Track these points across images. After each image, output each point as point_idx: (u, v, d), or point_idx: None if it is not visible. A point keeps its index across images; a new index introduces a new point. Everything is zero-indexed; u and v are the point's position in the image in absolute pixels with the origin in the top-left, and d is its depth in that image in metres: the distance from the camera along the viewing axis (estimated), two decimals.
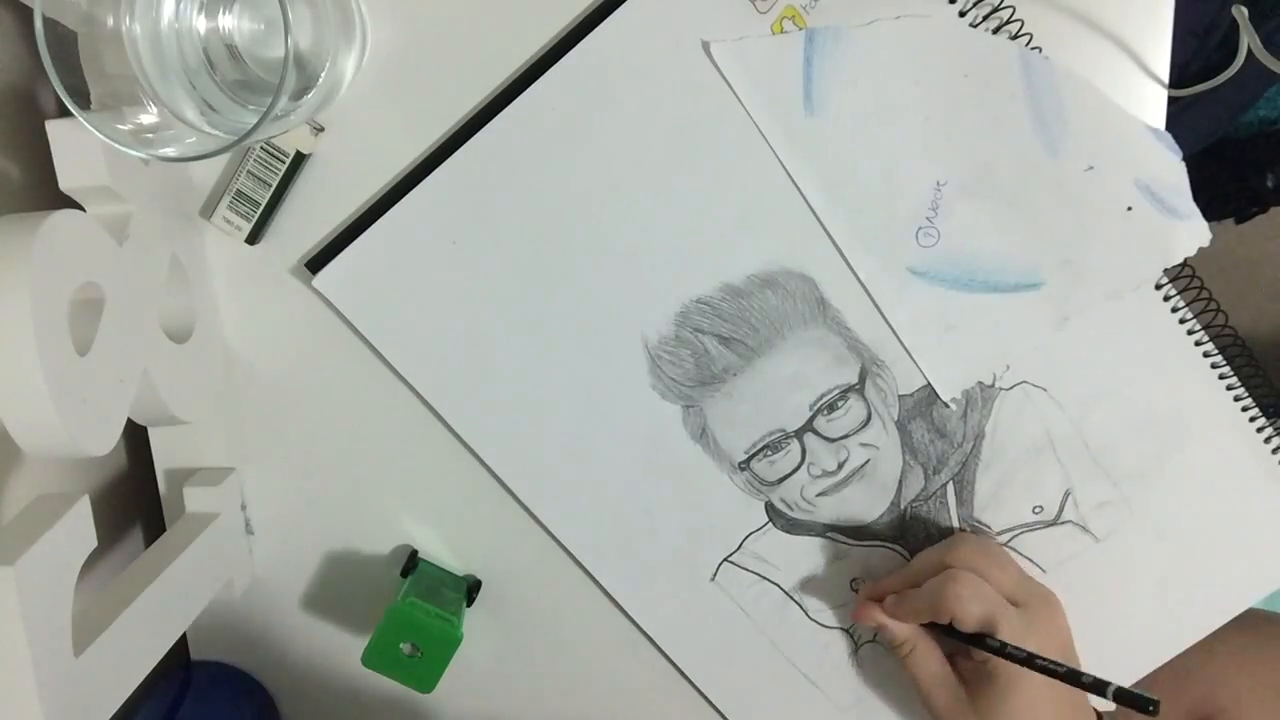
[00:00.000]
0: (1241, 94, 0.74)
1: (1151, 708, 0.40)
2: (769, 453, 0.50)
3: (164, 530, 0.52)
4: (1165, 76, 0.46)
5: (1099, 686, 0.42)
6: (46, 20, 0.34)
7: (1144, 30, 0.45)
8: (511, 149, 0.46)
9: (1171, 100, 0.46)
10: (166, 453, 0.52)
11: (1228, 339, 0.49)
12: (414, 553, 0.52)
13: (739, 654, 0.53)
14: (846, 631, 0.53)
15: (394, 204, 0.47)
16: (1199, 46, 0.64)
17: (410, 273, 0.48)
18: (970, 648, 0.46)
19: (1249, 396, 0.49)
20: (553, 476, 0.51)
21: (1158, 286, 0.47)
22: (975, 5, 0.44)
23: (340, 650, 0.55)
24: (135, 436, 0.53)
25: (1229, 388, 0.49)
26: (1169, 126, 0.46)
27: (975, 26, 0.44)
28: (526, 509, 0.51)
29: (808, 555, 0.52)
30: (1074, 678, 0.42)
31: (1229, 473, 0.51)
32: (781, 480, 0.51)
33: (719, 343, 0.48)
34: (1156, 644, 0.53)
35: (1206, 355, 0.49)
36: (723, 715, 0.55)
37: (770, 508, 0.51)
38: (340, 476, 0.52)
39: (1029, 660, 0.43)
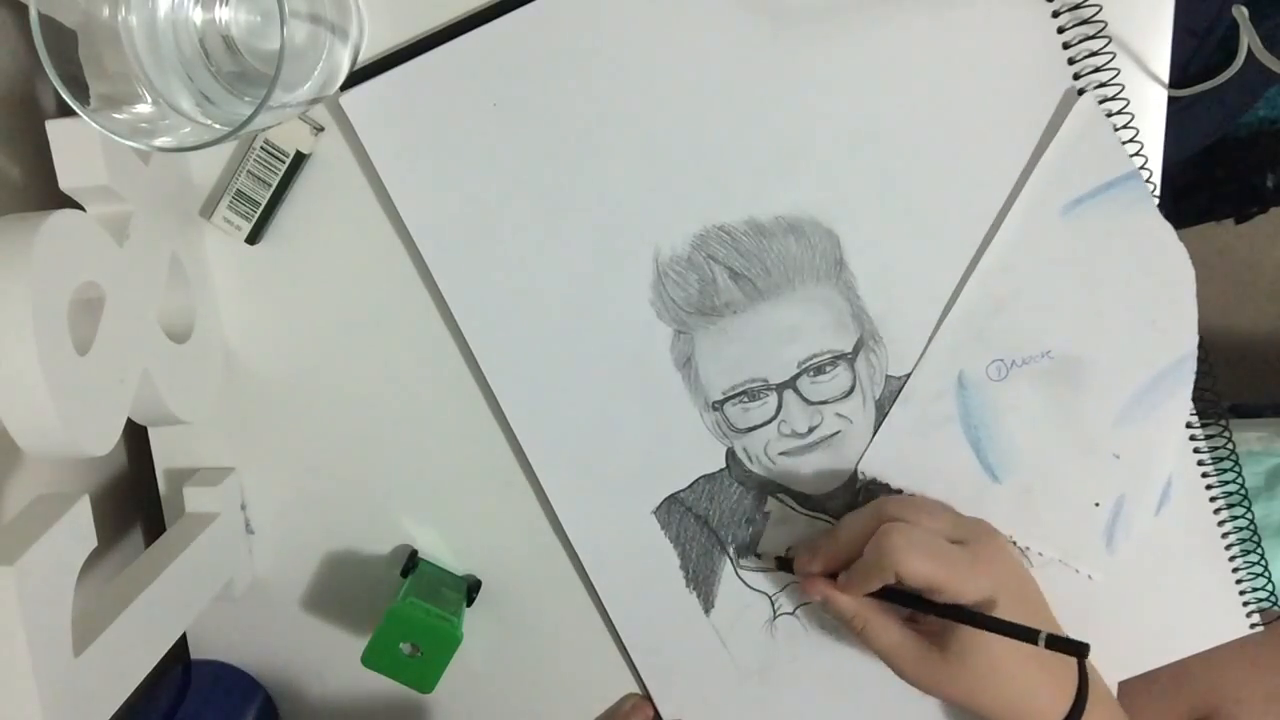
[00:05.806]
0: (1241, 94, 0.74)
1: (1084, 651, 0.40)
2: (745, 399, 0.49)
3: (164, 530, 0.52)
4: (1165, 76, 0.46)
5: (1029, 634, 0.41)
6: (43, 17, 0.33)
7: (1144, 30, 0.45)
8: (576, 19, 0.44)
9: (1171, 100, 0.46)
10: (166, 453, 0.52)
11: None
12: (414, 553, 0.52)
13: (660, 596, 0.52)
14: (768, 597, 0.52)
15: (444, 44, 0.44)
16: (1199, 46, 0.64)
17: (441, 119, 0.46)
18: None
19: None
20: (526, 366, 0.49)
21: None
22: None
23: (340, 650, 0.55)
24: (135, 436, 0.53)
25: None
26: (1169, 126, 0.46)
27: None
28: (491, 393, 0.49)
29: (751, 512, 0.51)
30: (1000, 627, 0.42)
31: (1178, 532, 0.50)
32: (750, 430, 0.50)
33: (729, 275, 0.48)
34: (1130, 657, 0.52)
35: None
36: (628, 654, 0.53)
37: (731, 455, 0.50)
38: (340, 476, 0.52)
39: (958, 613, 0.43)
